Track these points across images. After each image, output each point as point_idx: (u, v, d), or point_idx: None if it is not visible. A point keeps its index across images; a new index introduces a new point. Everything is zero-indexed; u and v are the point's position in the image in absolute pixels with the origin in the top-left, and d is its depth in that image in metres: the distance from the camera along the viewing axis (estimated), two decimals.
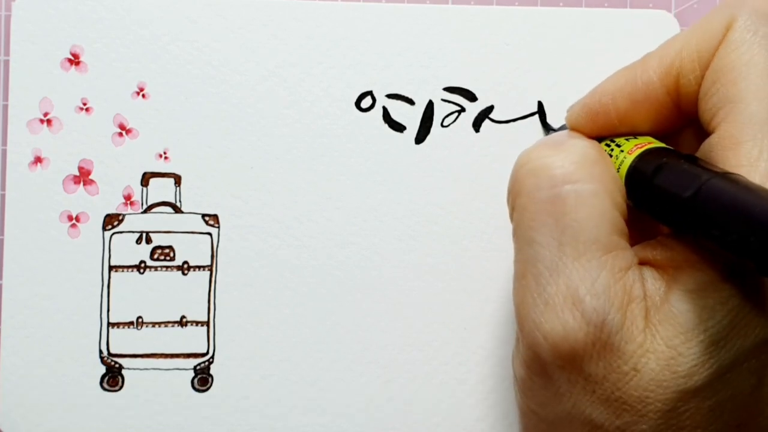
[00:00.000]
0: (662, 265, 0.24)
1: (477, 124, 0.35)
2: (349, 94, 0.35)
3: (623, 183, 0.25)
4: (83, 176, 0.34)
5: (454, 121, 0.35)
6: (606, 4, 0.36)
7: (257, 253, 0.34)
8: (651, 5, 0.36)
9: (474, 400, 0.34)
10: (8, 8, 0.35)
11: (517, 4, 0.36)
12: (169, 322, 0.34)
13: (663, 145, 0.25)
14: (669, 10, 0.36)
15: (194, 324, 0.34)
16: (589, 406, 0.23)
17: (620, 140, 0.26)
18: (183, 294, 0.34)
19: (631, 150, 0.25)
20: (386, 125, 0.35)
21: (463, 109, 0.35)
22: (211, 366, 0.34)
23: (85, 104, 0.34)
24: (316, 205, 0.34)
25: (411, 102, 0.35)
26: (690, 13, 0.36)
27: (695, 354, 0.22)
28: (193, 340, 0.34)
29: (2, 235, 0.34)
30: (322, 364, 0.34)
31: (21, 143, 0.34)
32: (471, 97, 0.35)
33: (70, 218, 0.34)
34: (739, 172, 0.22)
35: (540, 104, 0.35)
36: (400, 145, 0.35)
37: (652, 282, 0.23)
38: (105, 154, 0.34)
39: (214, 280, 0.34)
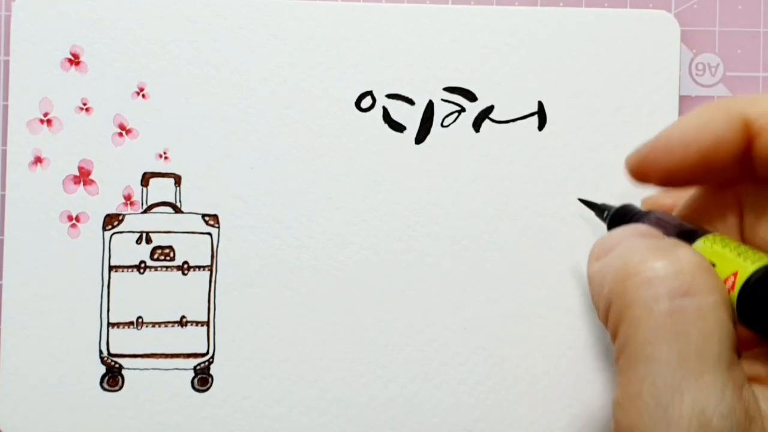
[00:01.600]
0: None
1: (477, 124, 0.35)
2: (349, 94, 0.35)
3: (738, 296, 0.23)
4: (83, 176, 0.34)
5: (454, 121, 0.35)
6: (606, 4, 0.36)
7: (257, 253, 0.34)
8: (651, 5, 0.36)
9: (474, 400, 0.34)
10: (8, 8, 0.35)
11: (517, 4, 0.36)
12: (169, 322, 0.34)
13: None
14: (669, 10, 0.36)
15: (194, 324, 0.34)
16: None
17: (721, 240, 0.25)
18: (183, 294, 0.34)
19: (748, 258, 0.23)
20: (386, 125, 0.35)
21: (463, 109, 0.35)
22: (211, 366, 0.34)
23: (85, 104, 0.34)
24: (316, 205, 0.34)
25: (411, 102, 0.35)
26: (690, 13, 0.36)
27: None
28: (193, 340, 0.34)
29: (2, 235, 0.34)
30: (322, 364, 0.34)
31: (21, 143, 0.34)
32: (471, 97, 0.35)
33: (70, 218, 0.34)
34: None
35: (540, 104, 0.35)
36: (400, 145, 0.35)
37: (764, 400, 0.22)
38: (105, 154, 0.34)
39: (214, 280, 0.34)
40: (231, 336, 0.34)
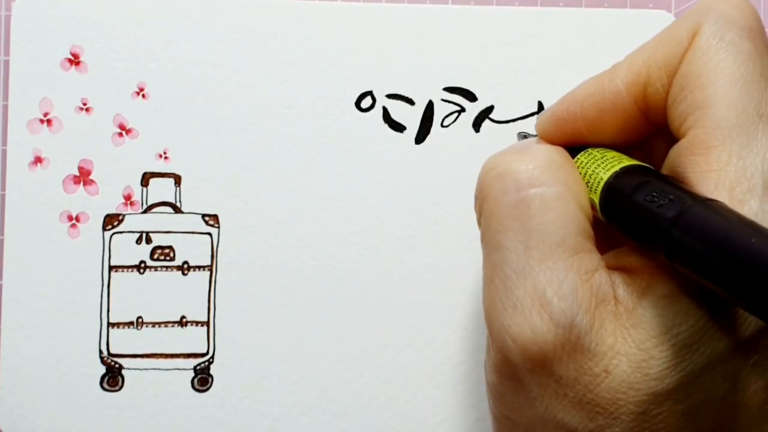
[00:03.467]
0: (635, 271, 0.24)
1: (477, 124, 0.35)
2: (349, 94, 0.35)
3: (598, 196, 0.25)
4: (83, 176, 0.34)
5: (454, 121, 0.35)
6: (606, 4, 0.36)
7: (257, 253, 0.34)
8: (651, 5, 0.36)
9: (474, 400, 0.34)
10: (8, 8, 0.35)
11: (517, 4, 0.36)
12: (169, 322, 0.34)
13: (641, 163, 0.25)
14: (669, 10, 0.36)
15: (194, 324, 0.34)
16: (561, 410, 0.23)
17: (594, 153, 0.26)
18: (183, 294, 0.34)
19: (608, 164, 0.25)
20: (386, 125, 0.35)
21: (463, 109, 0.35)
22: (211, 366, 0.34)
23: (85, 104, 0.34)
24: (316, 205, 0.34)
25: (411, 102, 0.35)
26: None
27: (667, 357, 0.22)
28: (193, 340, 0.34)
29: (2, 235, 0.34)
30: (322, 364, 0.34)
31: (21, 143, 0.34)
32: (471, 97, 0.35)
33: (70, 218, 0.34)
34: (708, 177, 0.23)
35: (540, 104, 0.35)
36: (400, 145, 0.35)
37: (624, 287, 0.23)
38: (105, 154, 0.34)
39: (214, 280, 0.34)
40: (231, 336, 0.34)
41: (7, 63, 0.35)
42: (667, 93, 0.25)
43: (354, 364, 0.34)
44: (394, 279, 0.34)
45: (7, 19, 0.35)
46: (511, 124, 0.35)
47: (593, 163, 0.26)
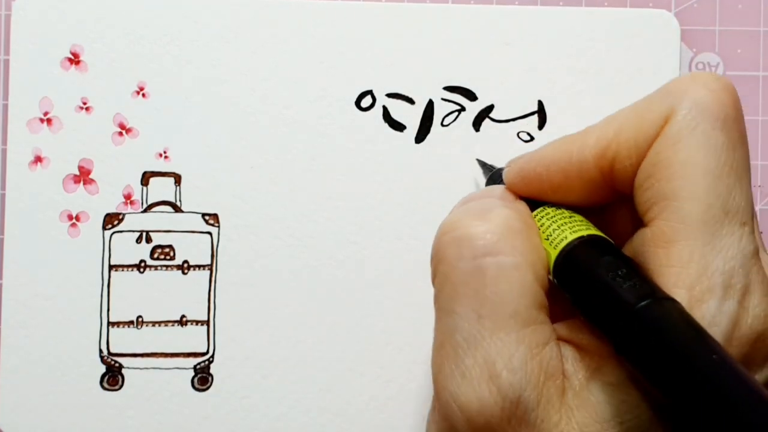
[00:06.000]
0: (585, 349, 0.23)
1: (477, 124, 0.35)
2: (349, 93, 0.35)
3: (553, 259, 0.24)
4: (83, 176, 0.34)
5: (454, 120, 0.35)
6: (606, 4, 0.36)
7: (257, 253, 0.34)
8: (651, 5, 0.36)
9: None
10: (8, 8, 0.35)
11: (517, 3, 0.36)
12: (169, 322, 0.34)
13: (603, 235, 0.25)
14: (669, 10, 0.36)
15: (194, 323, 0.34)
16: None
17: (557, 213, 0.26)
18: (183, 293, 0.34)
19: (576, 227, 0.25)
20: (386, 125, 0.35)
21: (463, 109, 0.35)
22: (211, 366, 0.34)
23: (85, 104, 0.34)
24: (316, 205, 0.34)
25: (411, 101, 0.35)
26: (690, 12, 0.36)
27: None
28: (193, 339, 0.34)
29: (2, 235, 0.34)
30: (322, 364, 0.34)
31: (21, 143, 0.34)
32: (471, 96, 0.35)
33: (70, 218, 0.34)
34: (669, 272, 0.22)
35: (540, 104, 0.35)
36: (400, 144, 0.35)
37: (573, 362, 0.23)
38: (105, 154, 0.34)
39: (214, 279, 0.34)
40: (231, 336, 0.34)
41: (7, 63, 0.35)
42: (635, 173, 0.24)
43: (354, 364, 0.34)
44: (394, 279, 0.34)
45: (7, 19, 0.35)
46: (511, 123, 0.35)
47: (560, 220, 0.25)
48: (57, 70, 0.34)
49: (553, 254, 0.24)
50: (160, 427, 0.34)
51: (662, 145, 0.23)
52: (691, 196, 0.23)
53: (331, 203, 0.34)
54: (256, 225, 0.34)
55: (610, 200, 0.26)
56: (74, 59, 0.34)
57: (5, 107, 0.35)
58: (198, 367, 0.34)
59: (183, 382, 0.34)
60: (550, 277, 0.25)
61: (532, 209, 0.26)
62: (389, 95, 0.35)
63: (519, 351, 0.23)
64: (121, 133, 0.34)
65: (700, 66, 0.36)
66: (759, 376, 0.22)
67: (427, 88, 0.35)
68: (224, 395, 0.34)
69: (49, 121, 0.34)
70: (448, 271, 0.24)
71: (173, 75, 0.34)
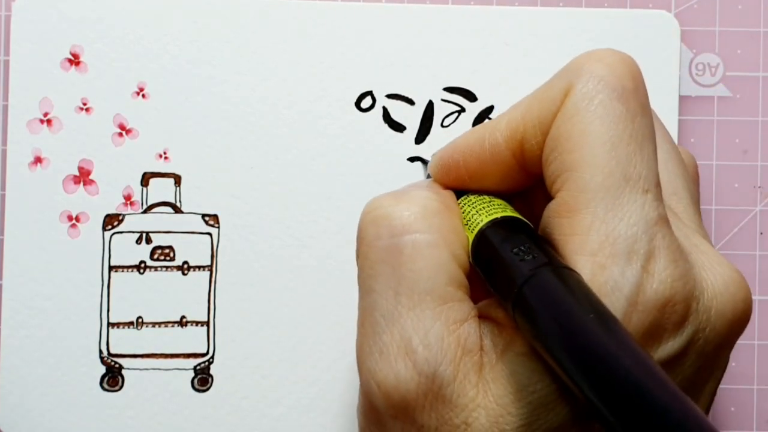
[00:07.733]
0: (500, 323, 0.24)
1: (477, 124, 0.35)
2: (349, 94, 0.35)
3: (470, 242, 0.25)
4: (83, 176, 0.34)
5: (454, 121, 0.35)
6: (606, 4, 0.36)
7: (257, 253, 0.34)
8: (651, 5, 0.36)
9: None
10: (8, 8, 0.35)
11: (517, 4, 0.36)
12: (169, 322, 0.34)
13: (518, 216, 0.25)
14: (669, 10, 0.36)
15: (194, 324, 0.34)
16: None
17: (478, 200, 0.26)
18: (183, 294, 0.34)
19: (491, 211, 0.25)
20: (386, 125, 0.35)
21: (463, 109, 0.35)
22: (211, 366, 0.34)
23: (85, 104, 0.34)
24: (316, 205, 0.34)
25: (411, 102, 0.35)
26: (690, 13, 0.36)
27: (523, 414, 0.22)
28: (193, 340, 0.34)
29: (2, 235, 0.34)
30: (322, 364, 0.34)
31: (21, 143, 0.34)
32: (471, 97, 0.35)
33: (70, 218, 0.34)
34: (572, 240, 0.23)
35: None
36: (400, 145, 0.35)
37: (492, 338, 0.23)
38: (105, 154, 0.34)
39: (214, 280, 0.34)
40: (231, 336, 0.34)
41: (7, 63, 0.35)
42: (542, 151, 0.25)
43: (354, 364, 0.34)
44: None
45: (7, 19, 0.35)
46: None
47: (479, 205, 0.26)
48: (57, 70, 0.34)
49: (471, 237, 0.25)
50: (160, 428, 0.34)
51: (562, 119, 0.24)
52: (590, 165, 0.23)
53: (331, 203, 0.34)
54: (256, 225, 0.34)
55: (529, 184, 0.27)
56: (74, 60, 0.34)
57: (5, 108, 0.35)
58: (198, 367, 0.34)
59: (183, 383, 0.34)
60: (470, 260, 0.25)
61: (459, 198, 0.27)
62: (389, 96, 0.35)
63: (435, 327, 0.23)
64: (121, 134, 0.34)
65: (700, 67, 0.36)
66: (673, 344, 0.22)
67: (427, 89, 0.35)
68: (224, 396, 0.34)
69: (49, 121, 0.34)
70: (367, 250, 0.25)
71: (173, 75, 0.34)
